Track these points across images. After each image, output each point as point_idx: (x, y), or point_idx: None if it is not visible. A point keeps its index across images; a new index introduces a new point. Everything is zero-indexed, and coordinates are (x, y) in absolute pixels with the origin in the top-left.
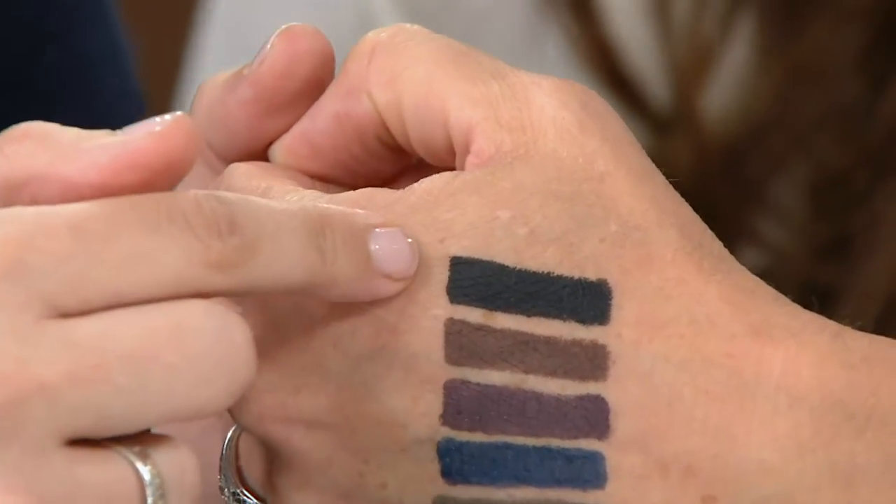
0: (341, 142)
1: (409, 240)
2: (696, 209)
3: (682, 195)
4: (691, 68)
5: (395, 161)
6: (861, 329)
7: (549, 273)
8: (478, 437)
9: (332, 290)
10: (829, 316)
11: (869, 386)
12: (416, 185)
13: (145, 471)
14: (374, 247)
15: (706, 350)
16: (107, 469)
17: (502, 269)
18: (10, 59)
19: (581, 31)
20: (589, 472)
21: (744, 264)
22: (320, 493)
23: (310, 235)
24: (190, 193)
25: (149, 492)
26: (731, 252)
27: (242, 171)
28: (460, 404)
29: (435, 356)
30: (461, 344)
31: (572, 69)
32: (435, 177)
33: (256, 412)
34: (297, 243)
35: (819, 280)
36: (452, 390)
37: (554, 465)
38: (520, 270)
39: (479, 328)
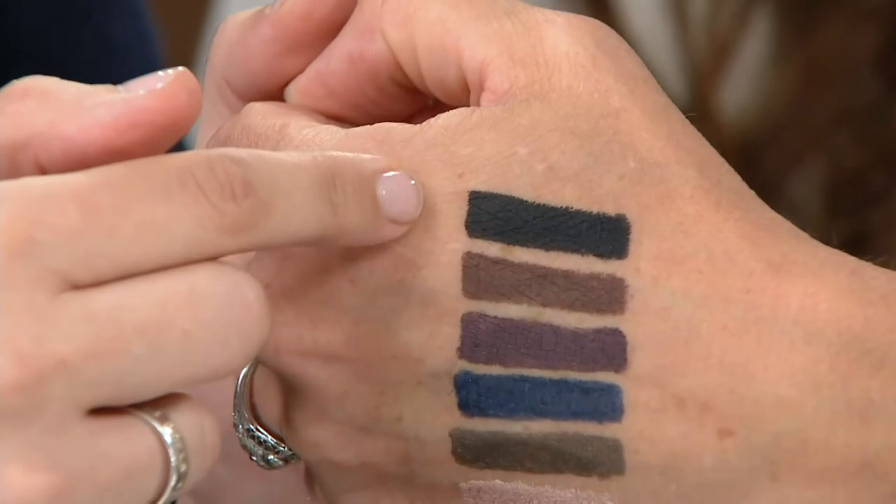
0: (355, 82)
1: (413, 182)
2: None
3: None
4: (708, 65)
5: (410, 101)
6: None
7: (567, 208)
8: (495, 370)
9: (342, 240)
10: None
11: (887, 323)
12: (433, 120)
13: (167, 434)
14: (381, 192)
15: (724, 286)
16: (129, 437)
17: (521, 203)
18: (41, 37)
19: None
20: (606, 404)
21: None
22: (336, 427)
23: (321, 188)
24: (202, 155)
25: (172, 455)
26: None
27: (259, 110)
28: (478, 337)
29: (452, 290)
30: (479, 277)
31: None
32: (452, 112)
33: (273, 346)
34: (309, 198)
35: None
36: (470, 323)
37: (571, 398)
38: (538, 205)
39: (497, 262)
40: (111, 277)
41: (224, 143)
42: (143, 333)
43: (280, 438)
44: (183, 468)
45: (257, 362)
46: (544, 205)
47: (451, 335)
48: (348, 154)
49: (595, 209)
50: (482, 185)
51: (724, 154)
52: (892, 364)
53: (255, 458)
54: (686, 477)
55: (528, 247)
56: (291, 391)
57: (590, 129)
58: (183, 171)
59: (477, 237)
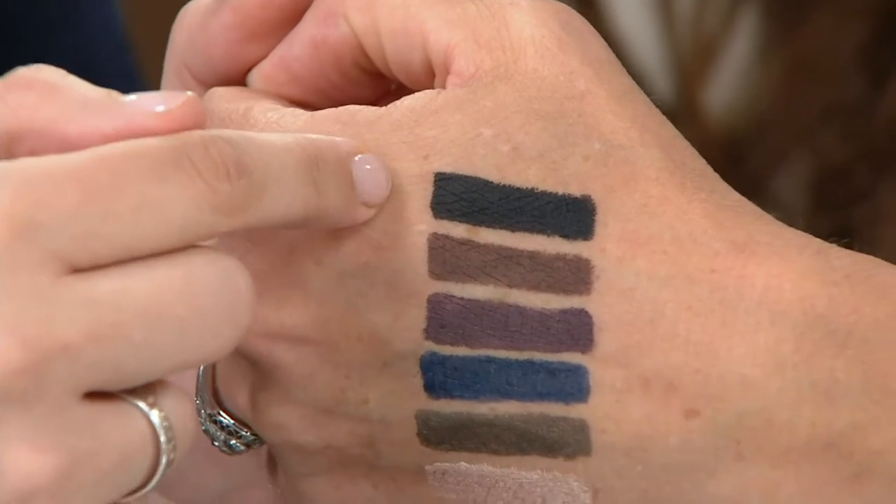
0: (318, 68)
1: (383, 165)
2: None
3: None
4: (694, 63)
5: (374, 86)
6: None
7: (532, 189)
8: (461, 351)
9: (321, 222)
10: None
11: (851, 303)
12: (398, 102)
13: (158, 419)
14: (355, 174)
15: (689, 266)
16: (125, 422)
17: (486, 184)
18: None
19: None
20: (572, 385)
21: None
22: (301, 409)
23: (307, 169)
24: (196, 135)
25: (163, 441)
26: None
27: (222, 94)
28: (444, 318)
29: (418, 271)
30: (445, 259)
31: None
32: (417, 94)
33: None
34: (297, 180)
35: None
36: (436, 304)
37: (537, 379)
38: (503, 186)
39: (463, 243)
40: (110, 260)
41: None
42: (142, 319)
43: (242, 423)
44: (172, 454)
45: None
46: (509, 186)
47: (417, 316)
48: (325, 136)
49: (560, 190)
50: (447, 167)
51: (710, 151)
52: (855, 344)
53: (217, 444)
54: (652, 457)
55: (493, 228)
56: (257, 373)
57: (555, 111)
58: (178, 151)
59: (442, 218)
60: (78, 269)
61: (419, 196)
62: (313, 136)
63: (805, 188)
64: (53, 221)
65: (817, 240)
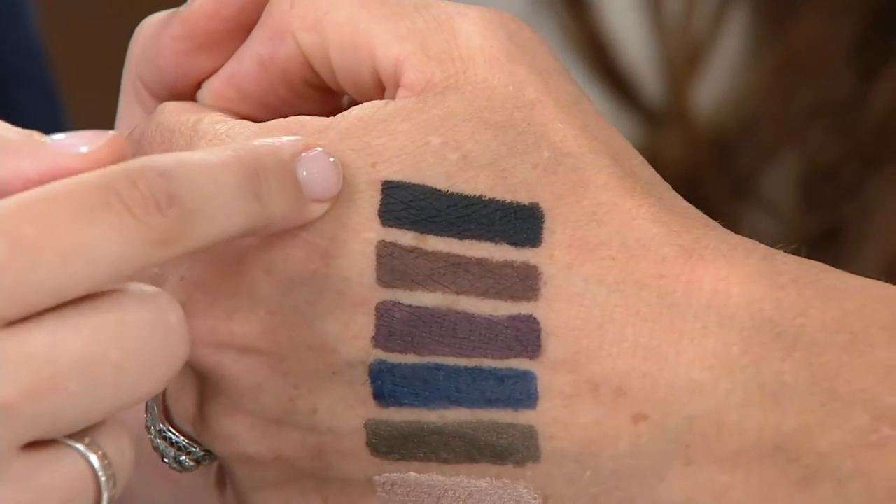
0: (267, 85)
1: (332, 159)
2: (688, 202)
3: (674, 188)
4: (683, 62)
5: (324, 102)
6: None
7: (481, 197)
8: (410, 359)
9: (269, 228)
10: None
11: (798, 306)
12: (347, 112)
13: (97, 460)
14: (302, 173)
15: (637, 272)
16: (63, 467)
17: (434, 192)
18: None
19: (574, 25)
20: (520, 391)
21: None
22: (250, 419)
23: (246, 184)
24: (120, 169)
25: (103, 480)
26: None
27: (172, 108)
28: (392, 326)
29: (366, 279)
30: (393, 266)
31: (565, 63)
32: (366, 104)
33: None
34: (235, 196)
35: None
36: (384, 312)
37: (485, 386)
38: (451, 194)
39: (411, 251)
40: (42, 308)
41: (139, 142)
42: (77, 370)
43: (192, 439)
44: (112, 491)
45: None
46: (458, 194)
47: (365, 324)
48: (268, 141)
49: (509, 198)
50: (395, 175)
51: (698, 150)
52: (803, 347)
53: (166, 460)
54: (601, 463)
55: (441, 235)
56: (205, 385)
57: (504, 120)
58: (104, 189)
59: (390, 226)
60: (10, 322)
61: (367, 204)
62: (255, 143)
63: (794, 186)
64: None
65: (764, 246)
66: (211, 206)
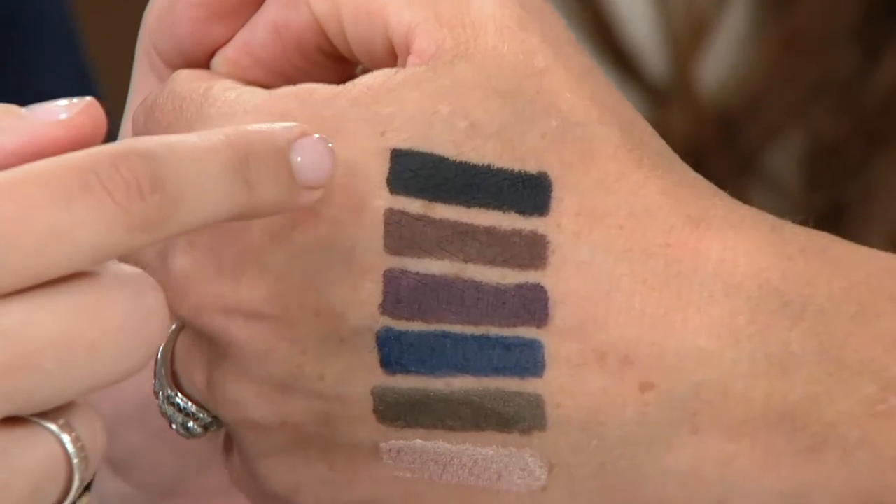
0: (281, 53)
1: (329, 144)
2: None
3: None
4: (688, 39)
5: (337, 70)
6: None
7: (489, 165)
8: (417, 327)
9: (258, 214)
10: None
11: (805, 276)
12: (356, 80)
13: (70, 442)
14: (296, 159)
15: (645, 241)
16: (37, 449)
17: (442, 160)
18: None
19: (579, 2)
20: (527, 359)
21: None
22: (257, 385)
23: (234, 170)
24: (105, 152)
25: (75, 462)
26: None
27: (185, 75)
28: (399, 293)
29: (374, 246)
30: (401, 234)
31: None
32: (376, 73)
33: (195, 303)
34: (221, 182)
35: None
36: (392, 279)
37: (492, 354)
38: (460, 163)
39: (419, 218)
40: (18, 288)
41: (151, 110)
42: (53, 348)
43: (200, 405)
44: (84, 473)
45: (179, 327)
46: (466, 162)
47: (373, 291)
48: (262, 126)
49: (517, 167)
50: (404, 143)
51: (703, 127)
52: (810, 316)
53: (174, 426)
54: (607, 431)
55: (449, 203)
56: (213, 350)
57: (513, 89)
58: (85, 172)
59: (399, 194)
60: None
61: (375, 172)
62: (247, 127)
63: (798, 164)
64: None
65: (772, 216)
66: (195, 192)
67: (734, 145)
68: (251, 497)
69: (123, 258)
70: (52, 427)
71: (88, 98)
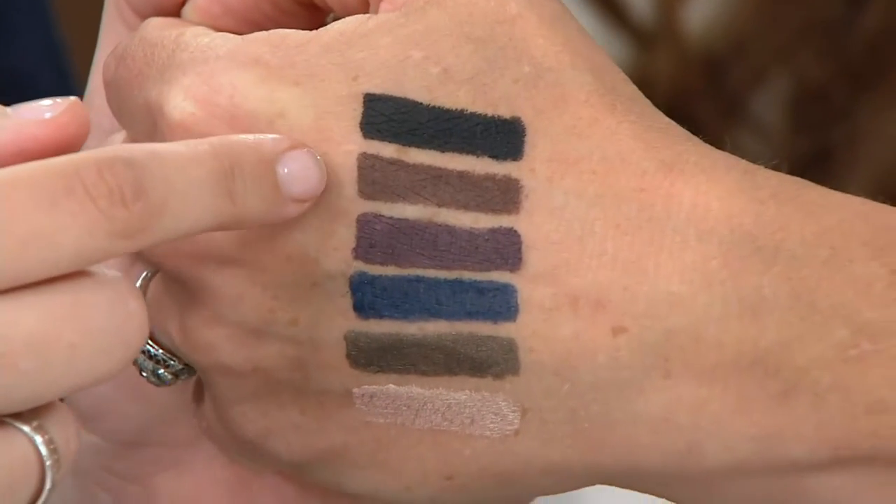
0: (252, 1)
1: (317, 158)
2: (678, 122)
3: (663, 109)
4: None
5: (309, 18)
6: None
7: (462, 110)
8: (390, 271)
9: (242, 225)
10: None
11: (778, 221)
12: (328, 26)
13: (43, 444)
14: (283, 170)
15: (617, 185)
16: (9, 450)
17: (415, 105)
18: None
19: None
20: (500, 304)
21: None
22: (230, 329)
23: (219, 181)
24: (91, 158)
25: (48, 465)
26: None
27: (156, 23)
28: (373, 238)
29: (347, 191)
30: (374, 178)
31: None
32: (348, 18)
33: (166, 248)
34: (205, 192)
35: None
36: (365, 224)
37: (465, 298)
38: (433, 107)
39: (392, 163)
40: None
41: (122, 57)
42: (30, 348)
43: (171, 352)
44: (56, 475)
45: (152, 274)
46: (439, 107)
47: (346, 236)
48: (248, 137)
49: (490, 112)
50: (376, 88)
51: (689, 71)
52: (782, 261)
53: (144, 374)
54: (580, 375)
55: (423, 148)
56: (186, 296)
57: (485, 35)
58: (70, 177)
59: (372, 138)
60: None
61: (348, 117)
62: (233, 138)
63: (783, 108)
64: None
65: (745, 161)
66: (178, 202)
67: (720, 89)
68: (221, 445)
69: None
70: (26, 429)
71: (72, 98)
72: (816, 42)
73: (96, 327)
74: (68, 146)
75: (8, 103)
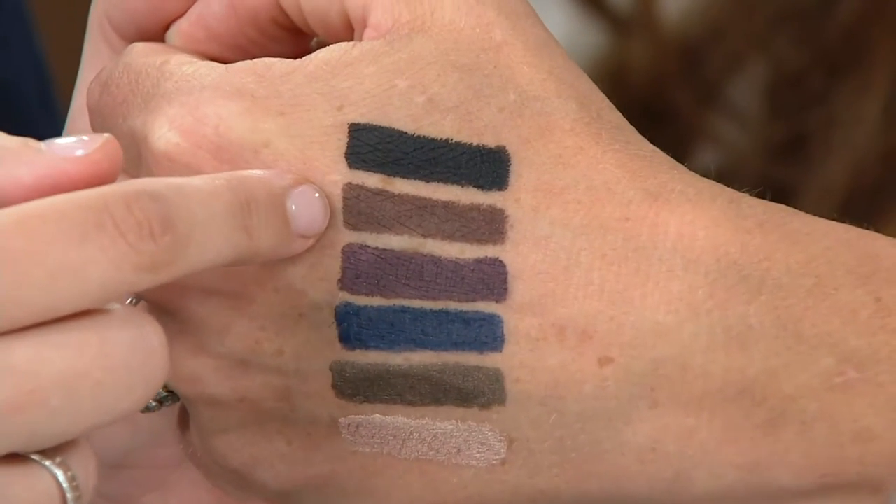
0: (236, 26)
1: (318, 194)
2: (655, 110)
3: (641, 96)
4: None
5: (293, 43)
6: None
7: (447, 140)
8: (376, 302)
9: (254, 260)
10: None
11: (763, 250)
12: (313, 55)
13: (66, 480)
14: (291, 207)
15: (603, 215)
16: (34, 485)
17: (400, 135)
18: None
19: None
20: (486, 334)
21: (701, 164)
22: (216, 361)
23: (237, 215)
24: (119, 192)
25: (69, 500)
26: (689, 152)
27: (140, 49)
28: (359, 268)
29: (333, 221)
30: (360, 209)
31: None
32: (333, 47)
33: None
34: (225, 226)
35: (776, 178)
36: (351, 255)
37: (451, 328)
38: (418, 137)
39: (378, 193)
40: (27, 323)
41: (106, 84)
42: (59, 386)
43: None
44: None
45: (136, 303)
46: (424, 136)
47: (332, 267)
48: (258, 173)
49: (475, 141)
50: (362, 118)
51: (666, 58)
52: (768, 290)
53: None
54: (567, 406)
55: (408, 178)
56: (171, 325)
57: (470, 63)
58: (99, 212)
59: (357, 168)
60: None
61: (333, 147)
62: (245, 173)
63: (760, 94)
64: None
65: (730, 189)
66: (202, 235)
67: (696, 75)
68: (207, 473)
69: None
70: (49, 464)
71: (106, 135)
72: (792, 29)
73: (121, 365)
74: (100, 183)
75: None
